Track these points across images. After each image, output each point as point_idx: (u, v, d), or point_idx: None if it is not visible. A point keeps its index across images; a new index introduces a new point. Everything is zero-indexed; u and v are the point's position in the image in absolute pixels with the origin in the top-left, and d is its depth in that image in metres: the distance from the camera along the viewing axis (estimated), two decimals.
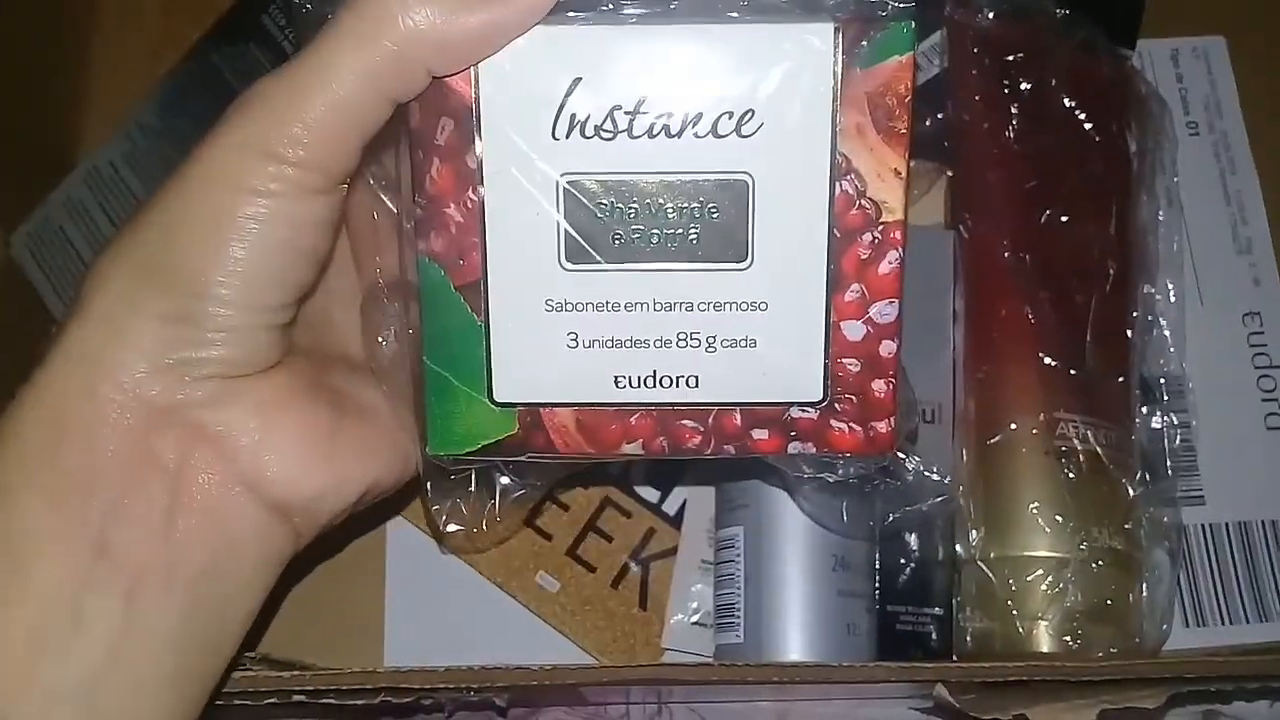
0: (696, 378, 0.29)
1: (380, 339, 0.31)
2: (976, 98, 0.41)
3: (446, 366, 0.29)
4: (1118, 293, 0.40)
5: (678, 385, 0.29)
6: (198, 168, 0.26)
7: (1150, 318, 0.42)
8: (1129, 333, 0.41)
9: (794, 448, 0.29)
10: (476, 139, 0.27)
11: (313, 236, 0.27)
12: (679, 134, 0.27)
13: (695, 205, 0.28)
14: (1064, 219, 0.40)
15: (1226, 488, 0.42)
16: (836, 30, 0.27)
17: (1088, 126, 0.41)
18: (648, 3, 0.27)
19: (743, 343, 0.28)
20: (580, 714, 0.42)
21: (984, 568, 0.38)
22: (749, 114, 0.27)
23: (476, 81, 0.27)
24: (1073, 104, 0.41)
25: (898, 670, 0.34)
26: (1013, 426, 0.38)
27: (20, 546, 0.26)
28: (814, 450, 0.29)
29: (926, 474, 0.33)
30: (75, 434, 0.26)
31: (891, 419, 0.29)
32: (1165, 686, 0.33)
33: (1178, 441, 0.42)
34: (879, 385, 0.29)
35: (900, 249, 0.28)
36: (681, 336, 0.28)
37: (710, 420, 0.29)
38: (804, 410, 0.29)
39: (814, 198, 0.28)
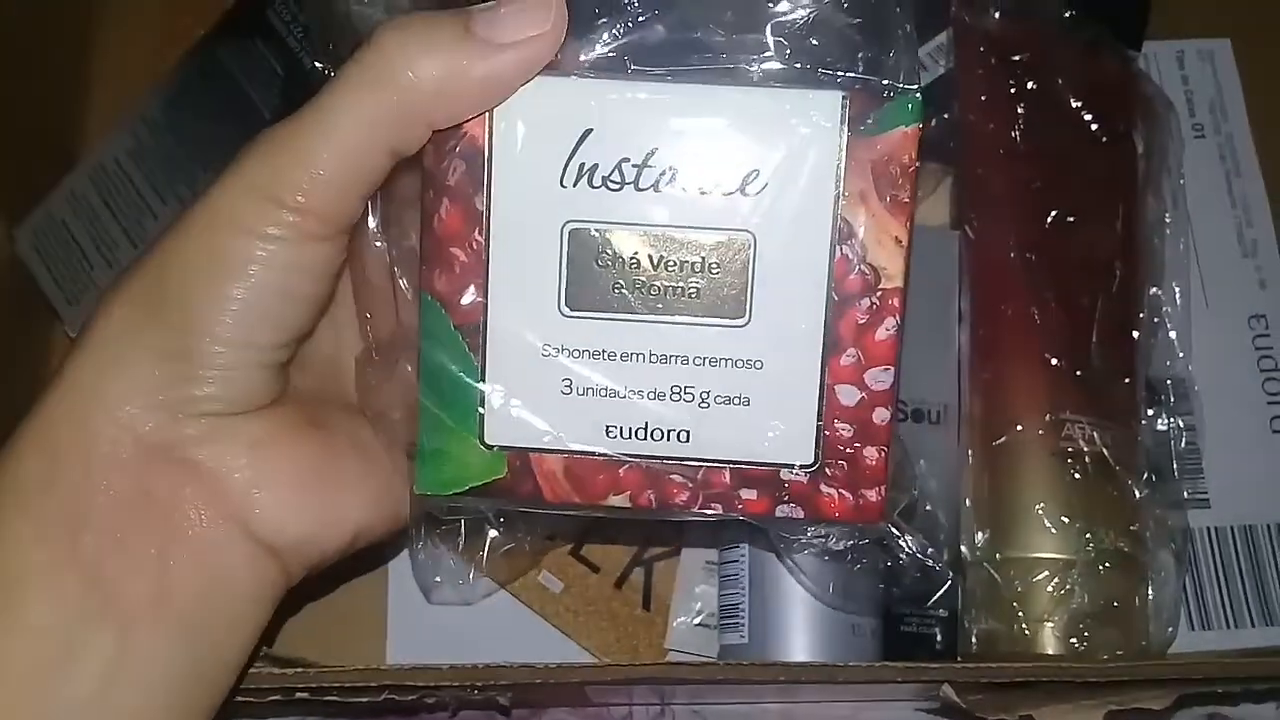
0: (688, 432, 0.29)
1: (374, 382, 0.31)
2: (982, 98, 0.41)
3: (440, 405, 0.29)
4: (1124, 294, 0.40)
5: (669, 439, 0.29)
6: (203, 207, 0.27)
7: (1156, 319, 0.42)
8: (1135, 334, 0.41)
9: (782, 510, 0.29)
10: (486, 182, 0.27)
11: (310, 282, 0.27)
12: (685, 189, 0.27)
13: (697, 260, 0.28)
14: (1070, 220, 0.40)
15: (1231, 491, 0.42)
16: (844, 99, 0.27)
17: (1094, 127, 0.41)
18: (662, 62, 0.27)
19: (736, 400, 0.28)
20: (583, 714, 0.42)
21: (989, 569, 0.38)
22: (754, 174, 0.27)
23: (490, 126, 0.27)
24: (1079, 105, 0.41)
25: (904, 670, 0.34)
26: (1018, 427, 0.38)
27: (13, 578, 0.26)
28: (802, 515, 0.29)
29: (922, 557, 0.32)
30: (69, 466, 0.26)
31: (881, 488, 0.29)
32: (1172, 688, 0.33)
33: (1183, 444, 0.42)
34: (870, 453, 0.29)
35: (898, 316, 0.28)
36: (675, 390, 0.28)
37: (699, 476, 0.29)
38: (794, 473, 0.29)
39: (814, 261, 0.28)
